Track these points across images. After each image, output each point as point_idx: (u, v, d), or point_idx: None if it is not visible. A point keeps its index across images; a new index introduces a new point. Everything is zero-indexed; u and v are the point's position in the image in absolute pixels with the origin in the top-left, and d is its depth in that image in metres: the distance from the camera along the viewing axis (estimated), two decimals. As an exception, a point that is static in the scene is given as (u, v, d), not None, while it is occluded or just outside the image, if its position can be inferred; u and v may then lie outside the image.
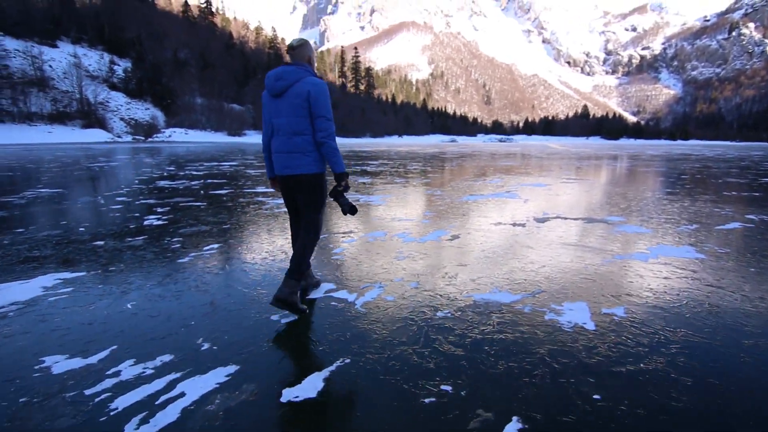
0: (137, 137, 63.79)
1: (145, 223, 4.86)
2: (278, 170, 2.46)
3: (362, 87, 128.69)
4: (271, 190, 7.70)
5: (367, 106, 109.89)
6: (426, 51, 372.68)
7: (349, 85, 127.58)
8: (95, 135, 57.92)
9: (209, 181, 9.39)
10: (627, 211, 5.63)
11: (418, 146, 45.27)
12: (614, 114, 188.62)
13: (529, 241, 4.08)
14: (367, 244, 3.95)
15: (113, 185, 8.58)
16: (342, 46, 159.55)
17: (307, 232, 2.49)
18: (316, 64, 2.64)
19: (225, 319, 2.34)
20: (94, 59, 77.73)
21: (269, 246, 3.85)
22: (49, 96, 61.11)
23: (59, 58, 70.44)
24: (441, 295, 2.68)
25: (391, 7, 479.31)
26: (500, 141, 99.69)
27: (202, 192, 7.55)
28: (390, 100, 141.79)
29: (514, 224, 4.78)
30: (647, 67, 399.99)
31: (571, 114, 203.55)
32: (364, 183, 9.07)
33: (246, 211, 5.59)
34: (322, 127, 2.35)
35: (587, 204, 6.25)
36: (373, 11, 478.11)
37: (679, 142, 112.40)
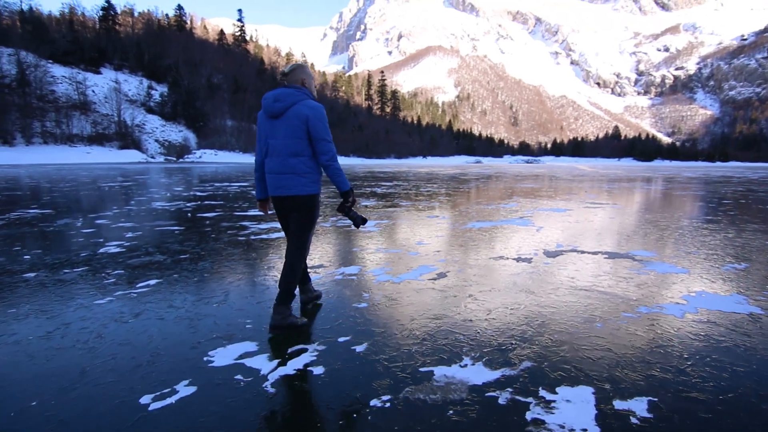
0: (169, 158, 66.17)
1: (101, 250, 4.38)
2: (272, 191, 2.45)
3: (388, 109, 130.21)
4: (261, 213, 7.22)
5: (391, 128, 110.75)
6: (452, 74, 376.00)
7: (375, 107, 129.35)
8: (130, 156, 60.35)
9: (206, 202, 9.02)
10: (659, 243, 4.75)
11: (440, 167, 44.62)
12: (647, 135, 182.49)
13: (530, 283, 3.31)
14: (331, 283, 3.29)
15: (105, 207, 8.32)
16: (369, 70, 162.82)
17: (294, 252, 2.48)
18: (314, 87, 2.64)
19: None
20: (134, 84, 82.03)
21: (214, 286, 3.24)
22: (90, 119, 64.48)
23: (102, 83, 74.62)
24: (389, 368, 1.97)
25: (418, 32, 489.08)
26: (527, 162, 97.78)
27: (189, 215, 7.14)
28: (415, 121, 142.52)
29: (518, 259, 4.02)
30: (681, 88, 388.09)
31: (601, 135, 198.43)
32: (367, 206, 8.46)
33: (219, 238, 5.05)
34: (324, 150, 2.38)
35: (612, 234, 5.39)
36: (400, 36, 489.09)
37: (718, 163, 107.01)
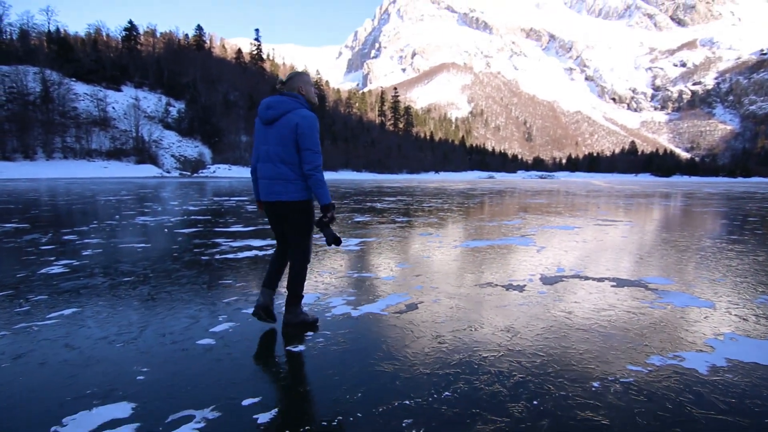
0: (184, 173, 67.10)
1: (42, 270, 3.95)
2: (263, 196, 2.49)
3: (400, 125, 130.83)
4: (245, 228, 6.79)
5: (403, 144, 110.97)
6: (466, 90, 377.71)
7: (387, 123, 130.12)
8: (146, 170, 61.36)
9: (193, 217, 8.65)
10: (677, 268, 4.10)
11: (451, 182, 44.00)
12: (665, 150, 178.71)
13: (516, 317, 2.73)
14: (278, 315, 2.75)
15: (86, 222, 7.98)
16: (382, 87, 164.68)
17: (295, 257, 2.53)
18: (314, 94, 2.57)
19: None
20: (152, 101, 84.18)
21: (135, 319, 2.74)
22: (109, 134, 66.07)
23: (122, 100, 76.73)
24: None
25: (432, 50, 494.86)
26: (540, 177, 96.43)
27: (165, 230, 6.72)
28: (428, 137, 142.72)
29: (508, 287, 3.42)
30: (700, 103, 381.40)
31: (617, 150, 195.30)
32: (358, 222, 7.95)
33: (180, 258, 4.59)
34: (309, 160, 2.39)
35: (623, 255, 4.75)
36: (414, 54, 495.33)
37: (740, 179, 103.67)
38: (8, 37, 73.35)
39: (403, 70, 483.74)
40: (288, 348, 2.28)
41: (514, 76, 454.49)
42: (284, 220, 2.48)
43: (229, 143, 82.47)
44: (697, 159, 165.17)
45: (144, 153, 67.86)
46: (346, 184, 32.35)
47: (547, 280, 3.62)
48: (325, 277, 3.78)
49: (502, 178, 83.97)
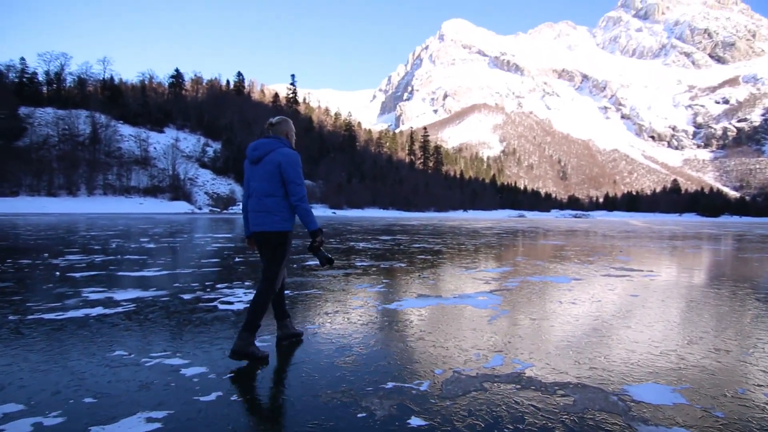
0: (214, 209, 69.15)
1: None
2: (252, 227, 2.70)
3: (430, 164, 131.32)
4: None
5: (432, 182, 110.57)
6: (497, 130, 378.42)
7: (417, 162, 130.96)
8: (178, 206, 63.58)
9: (173, 244, 8.06)
10: (710, 359, 2.95)
11: (473, 221, 42.56)
12: (711, 189, 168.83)
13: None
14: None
15: (44, 254, 7.57)
16: (412, 128, 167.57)
17: (264, 285, 2.66)
18: (294, 138, 2.93)
19: None
20: (191, 142, 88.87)
21: None
22: (147, 172, 69.59)
23: (163, 141, 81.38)
24: None
25: (464, 92, 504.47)
26: (575, 217, 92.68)
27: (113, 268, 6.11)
28: (458, 175, 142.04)
29: (405, 395, 2.42)
30: (747, 140, 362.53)
31: (658, 189, 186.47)
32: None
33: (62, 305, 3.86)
34: (294, 192, 2.62)
35: (617, 333, 3.60)
36: (445, 96, 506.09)
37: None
38: (68, 84, 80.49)
39: (435, 111, 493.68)
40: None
41: (546, 115, 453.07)
42: (265, 247, 2.69)
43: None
44: (747, 198, 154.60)
45: (178, 190, 70.64)
46: (355, 221, 31.73)
47: (460, 384, 2.59)
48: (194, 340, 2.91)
49: (533, 217, 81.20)
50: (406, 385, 2.27)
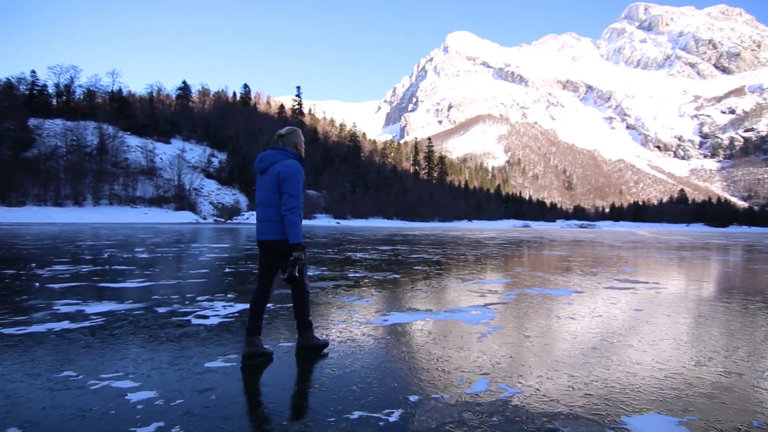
0: (219, 219, 69.27)
1: None
2: (257, 235, 2.81)
3: (435, 174, 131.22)
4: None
5: (436, 192, 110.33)
6: (502, 140, 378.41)
7: (422, 172, 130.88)
8: (183, 216, 63.73)
9: (152, 255, 7.86)
10: (727, 380, 2.66)
11: (477, 231, 42.13)
12: (719, 199, 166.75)
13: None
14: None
15: (31, 264, 7.39)
16: (416, 138, 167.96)
17: (297, 291, 2.83)
18: (303, 148, 2.94)
19: None
20: (197, 152, 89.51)
21: None
22: (153, 182, 70.00)
23: (170, 151, 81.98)
24: None
25: (468, 102, 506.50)
26: (580, 227, 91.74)
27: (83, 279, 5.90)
28: (463, 185, 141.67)
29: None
30: (754, 149, 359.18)
31: (665, 199, 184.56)
32: (347, 276, 6.83)
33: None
34: (284, 202, 2.68)
35: (617, 353, 3.32)
36: (450, 107, 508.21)
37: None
38: (78, 96, 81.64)
39: (440, 122, 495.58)
40: None
41: (551, 125, 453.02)
42: (272, 255, 2.79)
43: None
44: (756, 208, 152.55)
45: (183, 200, 70.87)
46: (357, 231, 31.46)
47: (432, 416, 2.33)
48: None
49: (538, 227, 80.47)
50: (374, 415, 2.01)
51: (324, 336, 3.28)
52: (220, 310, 4.19)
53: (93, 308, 4.25)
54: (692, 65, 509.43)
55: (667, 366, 2.77)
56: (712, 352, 3.09)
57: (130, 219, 54.17)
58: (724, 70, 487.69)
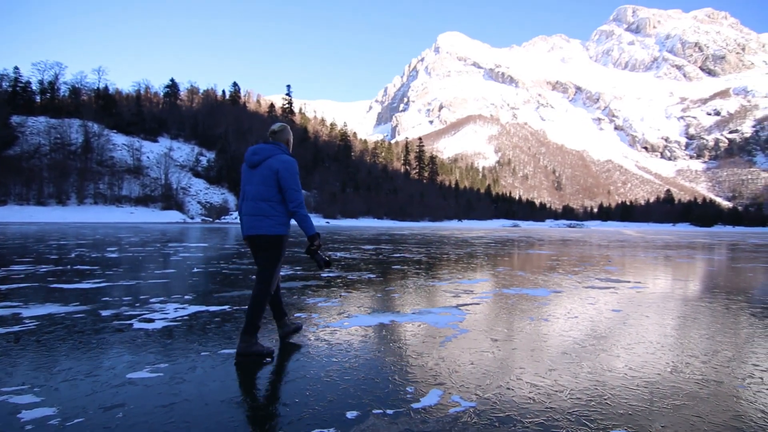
0: (206, 219, 68.31)
1: None
2: (245, 230, 2.73)
3: (425, 174, 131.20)
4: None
5: (427, 192, 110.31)
6: (492, 140, 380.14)
7: (412, 172, 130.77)
8: (170, 216, 62.71)
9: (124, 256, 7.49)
10: (704, 389, 2.43)
11: (467, 230, 42.05)
12: (704, 199, 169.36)
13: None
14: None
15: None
16: (407, 138, 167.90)
17: (259, 287, 2.71)
18: (291, 144, 2.92)
19: None
20: (185, 151, 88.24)
21: None
22: (139, 181, 68.76)
23: (157, 150, 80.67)
24: None
25: (459, 103, 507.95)
26: (569, 227, 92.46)
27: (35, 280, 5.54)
28: (453, 185, 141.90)
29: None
30: (738, 151, 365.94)
31: (652, 199, 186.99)
32: (324, 278, 6.53)
33: None
34: (292, 198, 2.68)
35: (592, 357, 3.10)
36: (441, 107, 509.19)
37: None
38: (62, 94, 79.88)
39: (431, 122, 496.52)
40: None
41: (541, 126, 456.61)
42: (260, 250, 2.73)
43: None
44: (740, 208, 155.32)
45: (171, 199, 69.72)
46: (345, 231, 31.12)
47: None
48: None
49: (527, 227, 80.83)
50: (300, 436, 1.74)
51: (273, 341, 3.00)
52: (170, 313, 3.88)
53: (32, 311, 3.91)
54: (679, 67, 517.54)
55: (640, 373, 2.54)
56: (690, 357, 2.87)
57: (116, 218, 53.10)
58: (710, 73, 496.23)
